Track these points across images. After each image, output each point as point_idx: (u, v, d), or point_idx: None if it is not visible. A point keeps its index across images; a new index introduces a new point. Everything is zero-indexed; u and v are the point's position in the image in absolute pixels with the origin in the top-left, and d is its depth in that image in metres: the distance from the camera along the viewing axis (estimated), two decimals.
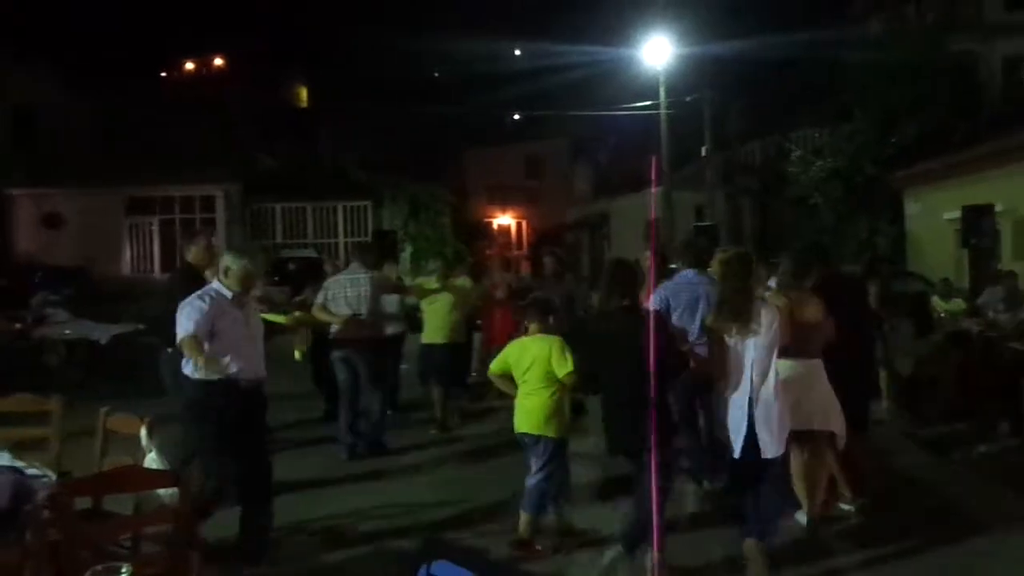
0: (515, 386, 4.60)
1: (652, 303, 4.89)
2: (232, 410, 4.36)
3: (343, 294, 6.67)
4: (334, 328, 6.69)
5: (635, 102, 22.97)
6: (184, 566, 3.48)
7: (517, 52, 33.72)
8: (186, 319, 4.29)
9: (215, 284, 4.53)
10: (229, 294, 4.44)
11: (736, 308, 4.19)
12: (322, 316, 6.67)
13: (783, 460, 4.42)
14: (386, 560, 4.51)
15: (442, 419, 7.50)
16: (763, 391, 4.14)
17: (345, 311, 6.57)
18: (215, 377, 4.30)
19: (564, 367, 4.43)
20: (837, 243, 16.35)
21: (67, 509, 3.27)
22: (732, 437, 4.19)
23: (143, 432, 4.15)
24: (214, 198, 19.83)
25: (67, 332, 10.55)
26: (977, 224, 12.05)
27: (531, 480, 4.50)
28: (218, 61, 39.37)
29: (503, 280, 10.06)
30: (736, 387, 4.16)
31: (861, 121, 17.46)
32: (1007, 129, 14.42)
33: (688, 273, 5.44)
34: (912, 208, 16.35)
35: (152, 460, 4.27)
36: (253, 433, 4.52)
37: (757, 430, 4.13)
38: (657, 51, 20.40)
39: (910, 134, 16.51)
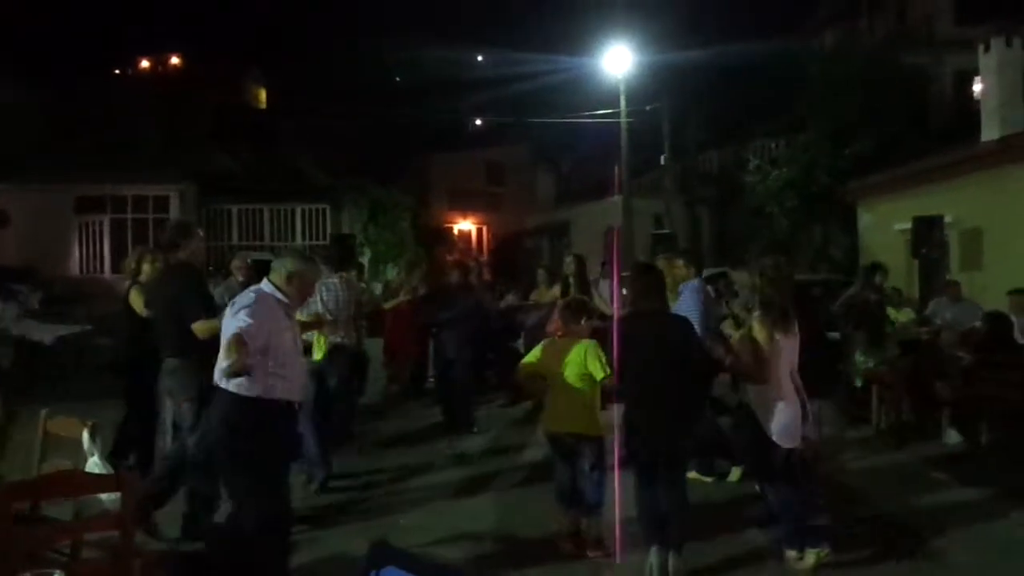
0: (545, 385, 4.68)
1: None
2: (270, 433, 3.86)
3: (316, 299, 6.47)
4: (307, 335, 6.53)
5: (596, 110, 23.16)
6: (126, 574, 3.36)
7: (479, 58, 33.82)
8: (244, 316, 3.67)
9: (268, 287, 3.94)
10: (286, 301, 3.94)
11: (783, 311, 4.46)
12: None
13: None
14: (335, 566, 4.42)
15: None
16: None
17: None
18: (255, 394, 3.78)
19: (601, 370, 4.46)
20: (792, 252, 16.65)
21: (2, 514, 3.14)
22: (785, 434, 4.36)
23: (85, 435, 4.02)
24: (168, 198, 19.41)
25: (12, 332, 10.23)
26: (927, 235, 12.33)
27: (590, 478, 4.50)
28: (174, 60, 38.70)
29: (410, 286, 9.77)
30: (780, 387, 4.39)
31: (816, 132, 17.82)
32: (956, 142, 14.83)
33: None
34: (864, 218, 16.70)
35: (94, 464, 4.13)
36: (280, 460, 4.10)
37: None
38: (618, 60, 20.60)
39: (863, 146, 16.88)
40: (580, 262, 8.19)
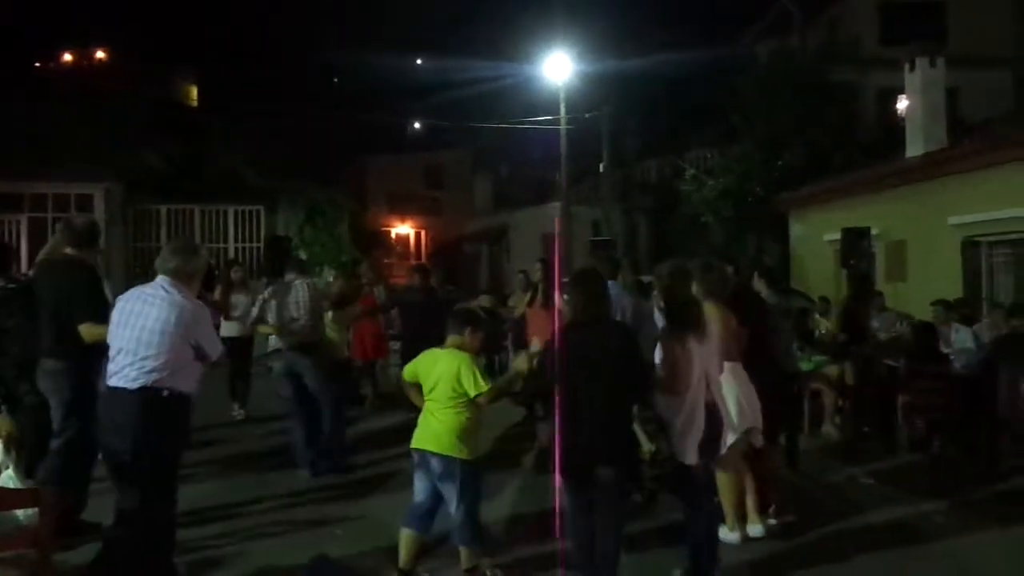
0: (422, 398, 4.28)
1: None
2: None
3: (280, 302, 6.33)
4: (273, 340, 6.45)
5: (536, 116, 23.26)
6: None
7: (419, 61, 33.64)
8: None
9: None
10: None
11: (692, 317, 4.29)
12: (263, 330, 6.59)
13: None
14: None
15: None
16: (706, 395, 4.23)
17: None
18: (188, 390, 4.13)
19: (476, 386, 4.12)
20: (726, 261, 16.96)
21: None
22: (687, 444, 4.15)
23: None
24: (92, 197, 18.64)
25: None
26: (855, 246, 12.73)
27: (457, 511, 4.12)
28: (100, 54, 37.27)
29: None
30: (695, 393, 4.18)
31: (749, 143, 18.25)
32: (882, 156, 15.39)
33: (611, 285, 5.34)
34: (796, 229, 17.17)
35: (8, 478, 3.91)
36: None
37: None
38: (557, 67, 20.74)
39: (795, 157, 17.36)
40: (547, 267, 8.11)
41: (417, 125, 34.07)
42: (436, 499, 4.21)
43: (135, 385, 3.77)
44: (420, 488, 4.25)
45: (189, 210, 20.07)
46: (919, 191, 13.03)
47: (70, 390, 4.62)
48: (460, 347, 4.29)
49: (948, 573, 4.54)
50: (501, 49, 25.01)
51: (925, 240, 12.74)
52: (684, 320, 4.28)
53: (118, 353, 3.87)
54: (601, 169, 23.10)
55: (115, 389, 3.82)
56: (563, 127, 20.69)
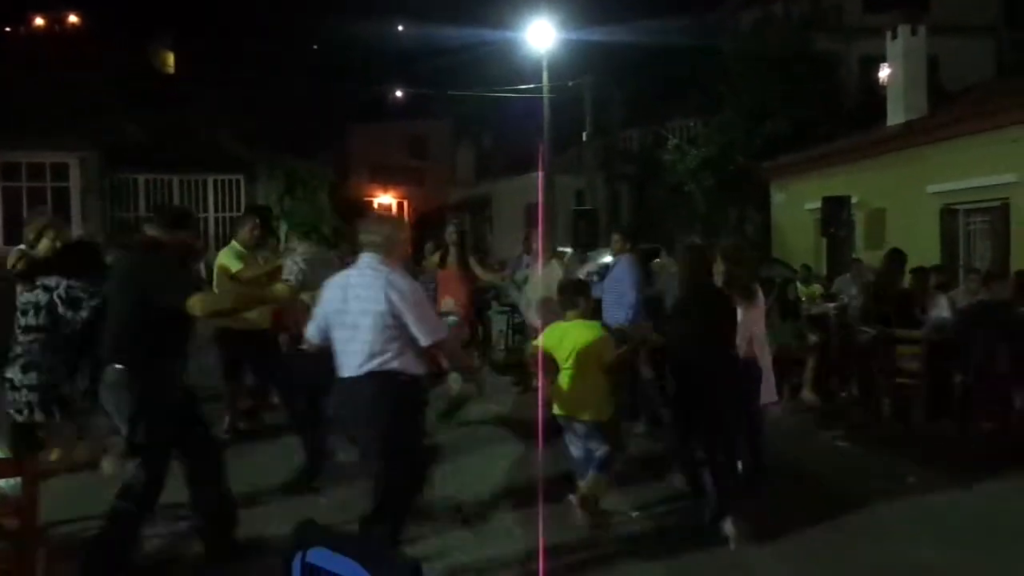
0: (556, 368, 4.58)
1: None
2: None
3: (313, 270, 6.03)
4: None
5: (519, 85, 23.06)
6: (28, 564, 3.17)
7: (400, 29, 33.15)
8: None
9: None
10: None
11: (741, 287, 5.04)
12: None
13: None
14: (257, 549, 4.30)
15: None
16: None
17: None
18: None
19: (608, 353, 4.54)
20: (708, 230, 17.08)
21: None
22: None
23: None
24: (67, 166, 18.35)
25: None
26: (835, 214, 12.85)
27: (598, 452, 4.49)
28: (72, 18, 36.38)
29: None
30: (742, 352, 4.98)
31: (732, 113, 18.23)
32: (863, 125, 15.45)
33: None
34: (777, 198, 17.25)
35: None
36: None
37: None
38: (540, 35, 20.52)
39: (777, 126, 17.37)
40: (461, 233, 8.50)
41: (399, 94, 33.69)
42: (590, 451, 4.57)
43: (365, 371, 3.60)
44: (577, 447, 4.62)
45: (168, 179, 19.83)
46: (898, 160, 13.12)
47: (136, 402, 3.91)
48: (582, 317, 4.65)
49: (920, 532, 4.66)
50: (483, 16, 24.76)
51: (904, 208, 12.85)
52: (735, 289, 4.98)
53: (340, 342, 3.70)
54: (584, 138, 23.00)
55: (348, 379, 3.67)
56: (545, 95, 20.53)
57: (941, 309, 8.10)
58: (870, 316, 7.88)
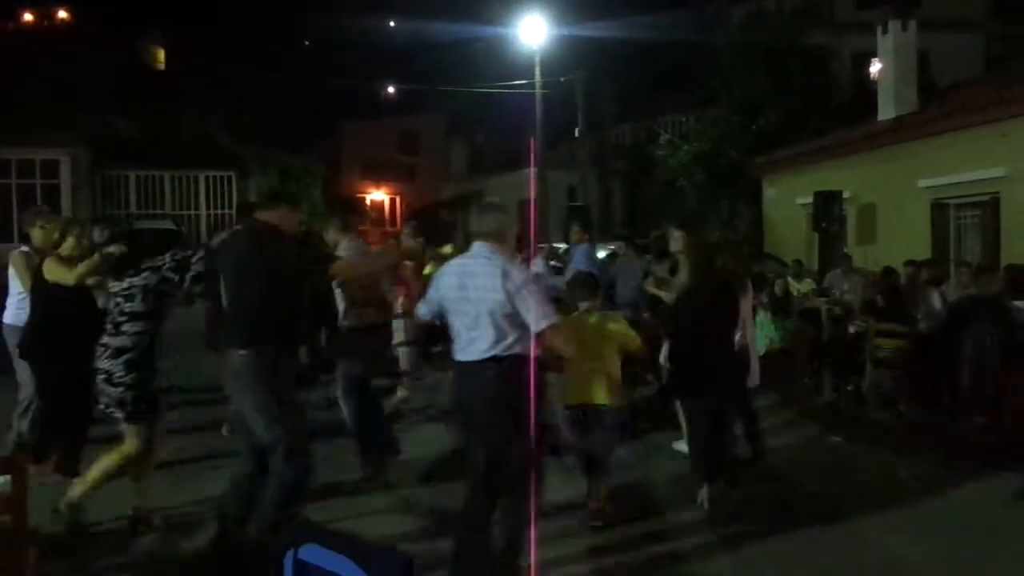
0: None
1: None
2: None
3: None
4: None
5: (511, 81, 23.05)
6: (18, 561, 3.17)
7: (392, 24, 33.05)
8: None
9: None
10: None
11: (742, 277, 5.57)
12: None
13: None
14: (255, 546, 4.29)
15: None
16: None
17: None
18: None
19: (635, 341, 4.76)
20: (700, 224, 17.07)
21: None
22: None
23: None
24: (58, 162, 18.26)
25: None
26: (827, 209, 12.87)
27: (601, 439, 4.63)
28: (62, 14, 36.14)
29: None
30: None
31: (724, 108, 18.24)
32: (854, 120, 15.48)
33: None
34: (769, 193, 17.28)
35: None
36: None
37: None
38: (533, 30, 20.51)
39: (769, 122, 17.40)
40: (417, 230, 8.58)
41: (391, 90, 33.61)
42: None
43: (488, 356, 3.66)
44: (579, 438, 4.70)
45: (159, 176, 19.78)
46: (890, 154, 13.15)
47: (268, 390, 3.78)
48: (596, 308, 4.88)
49: (911, 526, 4.68)
50: (476, 12, 24.68)
51: (895, 203, 12.89)
52: (734, 281, 5.35)
53: (460, 328, 3.75)
54: (576, 134, 23.01)
55: (469, 363, 3.72)
56: (538, 91, 20.53)
57: (932, 303, 8.14)
58: (862, 311, 7.92)
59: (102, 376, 4.25)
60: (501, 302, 3.61)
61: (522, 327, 3.65)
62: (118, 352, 4.25)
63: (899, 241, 12.17)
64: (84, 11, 33.74)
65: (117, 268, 4.45)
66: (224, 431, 5.98)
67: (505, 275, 3.63)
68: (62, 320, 4.99)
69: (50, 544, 4.02)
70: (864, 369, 7.78)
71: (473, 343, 3.68)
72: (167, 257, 4.36)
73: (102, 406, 4.35)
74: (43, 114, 18.14)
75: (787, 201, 16.07)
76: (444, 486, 5.10)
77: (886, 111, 13.77)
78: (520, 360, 3.67)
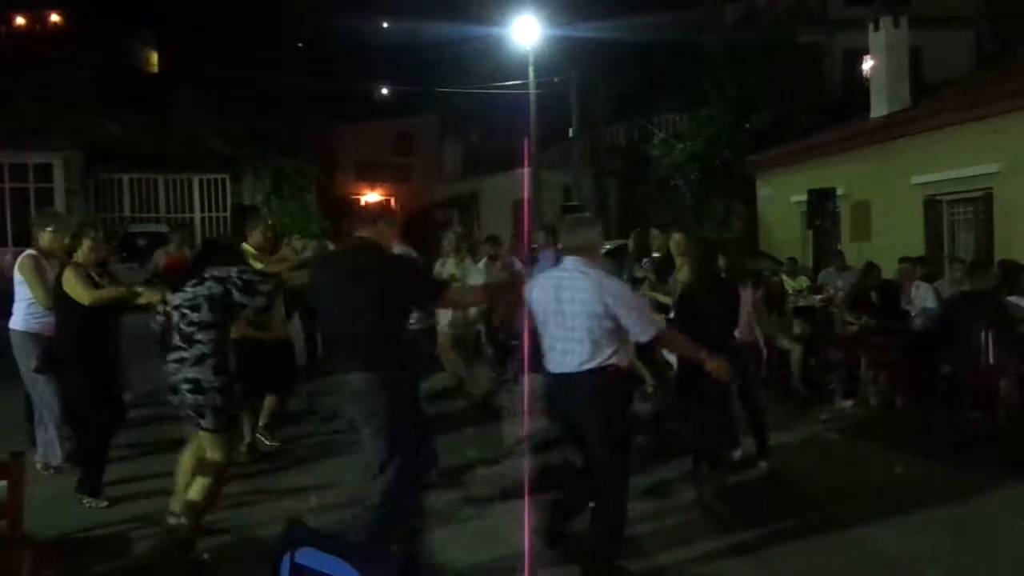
0: None
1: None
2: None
3: None
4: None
5: (505, 81, 23.04)
6: (14, 566, 3.16)
7: (385, 25, 33.01)
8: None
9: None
10: None
11: (743, 275, 5.72)
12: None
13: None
14: (246, 550, 4.29)
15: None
16: None
17: None
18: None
19: None
20: (695, 223, 17.12)
21: None
22: None
23: None
24: (51, 166, 18.22)
25: None
26: (821, 207, 12.90)
27: None
28: (54, 18, 36.03)
29: None
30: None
31: (718, 106, 18.27)
32: (847, 118, 15.52)
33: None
34: (763, 191, 17.31)
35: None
36: None
37: None
38: (526, 30, 20.51)
39: (763, 120, 17.42)
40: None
41: (385, 91, 33.55)
42: None
43: (586, 368, 3.75)
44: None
45: (152, 179, 19.74)
46: (882, 151, 13.20)
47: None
48: None
49: (908, 522, 4.70)
50: (469, 12, 24.64)
51: (889, 200, 12.93)
52: (736, 278, 5.57)
53: (554, 340, 3.84)
54: (571, 134, 23.00)
55: (566, 375, 3.80)
56: (532, 91, 20.53)
57: (926, 299, 8.17)
58: (856, 307, 7.94)
59: (187, 387, 4.10)
60: (599, 315, 3.72)
61: (617, 338, 3.79)
62: (200, 359, 4.12)
63: (893, 238, 12.20)
64: (76, 14, 33.65)
65: (173, 280, 4.35)
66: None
67: (604, 288, 3.76)
68: (87, 331, 4.92)
69: (46, 550, 4.01)
70: (860, 365, 7.80)
71: (568, 355, 3.79)
72: (233, 273, 4.23)
73: (190, 418, 4.19)
74: (36, 118, 18.09)
75: (781, 199, 16.10)
76: (444, 489, 5.11)
77: (879, 108, 13.81)
78: (616, 370, 3.80)
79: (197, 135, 22.08)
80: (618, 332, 3.78)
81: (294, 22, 33.49)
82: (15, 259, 5.61)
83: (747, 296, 5.69)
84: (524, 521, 3.68)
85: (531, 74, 20.53)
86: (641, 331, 3.80)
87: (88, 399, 4.96)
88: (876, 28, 13.91)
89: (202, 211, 19.95)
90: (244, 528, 4.61)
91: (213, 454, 4.21)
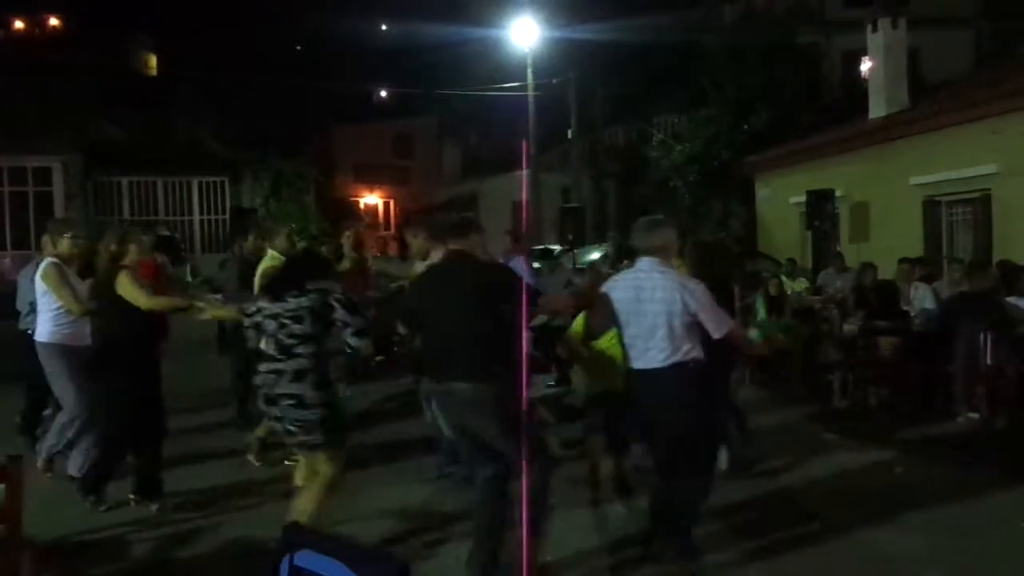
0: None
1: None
2: None
3: None
4: None
5: (503, 83, 23.06)
6: (12, 569, 3.16)
7: (383, 27, 33.06)
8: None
9: None
10: None
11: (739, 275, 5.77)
12: None
13: None
14: (244, 552, 4.29)
15: None
16: None
17: None
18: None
19: None
20: (694, 224, 17.14)
21: None
22: None
23: None
24: (50, 169, 18.22)
25: None
26: (819, 208, 12.91)
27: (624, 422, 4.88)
28: (53, 21, 36.07)
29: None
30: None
31: (716, 107, 18.28)
32: (846, 119, 15.53)
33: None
34: (762, 192, 17.31)
35: None
36: None
37: None
38: (525, 32, 20.53)
39: (761, 121, 17.43)
40: (357, 234, 8.50)
41: (383, 93, 33.58)
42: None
43: (667, 363, 3.93)
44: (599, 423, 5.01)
45: (151, 182, 19.74)
46: (881, 152, 13.20)
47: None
48: None
49: (908, 523, 4.70)
50: (467, 14, 24.68)
51: (887, 200, 12.93)
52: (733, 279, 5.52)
53: (634, 338, 4.01)
54: (569, 135, 23.03)
55: (650, 370, 3.97)
56: (531, 93, 20.55)
57: (925, 300, 8.18)
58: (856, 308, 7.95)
59: (290, 402, 3.95)
60: (680, 313, 3.90)
61: (695, 335, 3.97)
62: (299, 374, 3.97)
63: (892, 239, 12.20)
64: (75, 18, 33.68)
65: (274, 288, 4.20)
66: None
67: (684, 288, 3.95)
68: (140, 335, 4.87)
69: (45, 552, 4.00)
70: (860, 366, 7.80)
71: (649, 352, 3.97)
72: (338, 289, 4.17)
73: (291, 433, 4.01)
74: (35, 121, 18.09)
75: (780, 200, 16.10)
76: (444, 488, 5.11)
77: (877, 109, 13.82)
78: (696, 363, 3.98)
79: (196, 137, 22.08)
80: (695, 328, 3.97)
81: (293, 24, 33.52)
82: (14, 263, 5.59)
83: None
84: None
85: (530, 75, 20.56)
86: (716, 328, 3.97)
87: (134, 405, 4.85)
88: (874, 29, 13.92)
89: (201, 213, 19.95)
90: (244, 528, 4.61)
91: (324, 467, 4.05)
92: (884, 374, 7.59)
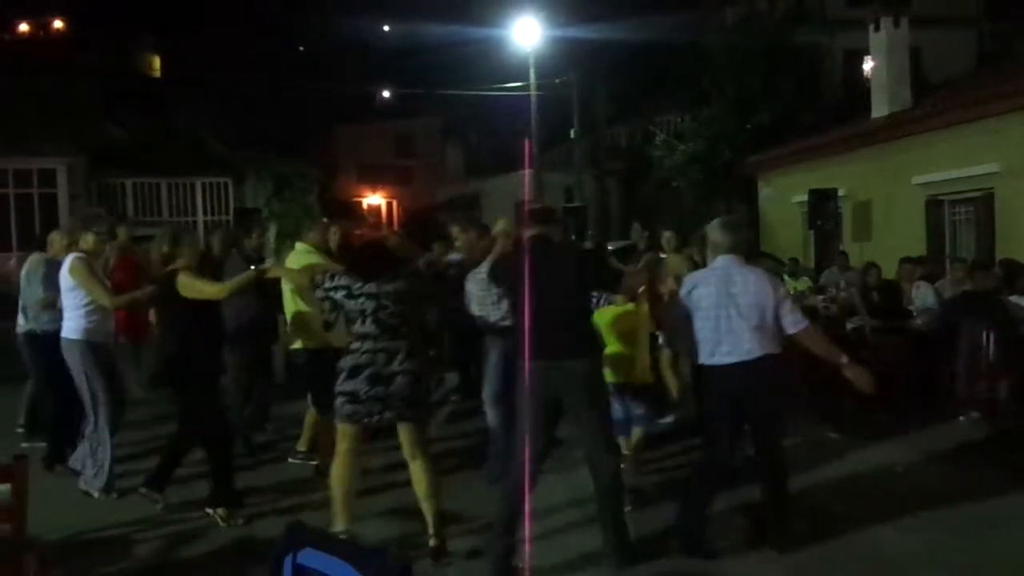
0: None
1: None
2: None
3: None
4: None
5: (506, 82, 23.08)
6: (17, 569, 3.18)
7: (386, 28, 33.09)
8: None
9: None
10: None
11: None
12: None
13: None
14: (246, 550, 4.31)
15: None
16: None
17: None
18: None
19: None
20: (697, 224, 17.11)
21: None
22: None
23: None
24: (55, 171, 18.27)
25: None
26: (822, 207, 12.91)
27: (638, 411, 5.23)
28: (57, 24, 36.16)
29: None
30: None
31: (718, 107, 18.27)
32: (848, 118, 15.52)
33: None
34: (764, 191, 17.31)
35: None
36: None
37: None
38: (527, 32, 20.54)
39: (763, 120, 17.42)
40: (343, 235, 8.48)
41: (386, 94, 33.63)
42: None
43: (752, 356, 4.06)
44: (619, 409, 5.13)
45: (155, 183, 19.78)
46: (884, 152, 13.19)
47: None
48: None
49: (909, 522, 4.71)
50: (470, 15, 24.71)
51: (890, 200, 12.93)
52: None
53: (721, 335, 4.13)
54: (572, 135, 23.04)
55: (742, 362, 4.08)
56: (533, 93, 20.56)
57: (927, 299, 8.17)
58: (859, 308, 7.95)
59: (406, 378, 4.04)
60: (770, 306, 4.07)
61: (777, 327, 4.12)
62: (411, 352, 4.11)
63: (894, 238, 12.20)
64: (79, 20, 33.76)
65: (368, 271, 4.18)
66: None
67: (769, 282, 4.15)
68: (208, 338, 4.77)
69: (50, 553, 4.03)
70: (863, 365, 7.79)
71: (743, 344, 4.08)
72: (384, 288, 4.15)
73: (391, 409, 4.04)
74: (39, 123, 18.14)
75: (782, 199, 16.10)
76: (447, 486, 5.13)
77: (879, 108, 13.81)
78: (779, 356, 4.16)
79: (199, 139, 22.11)
80: (777, 322, 4.11)
81: (296, 25, 33.59)
82: (19, 264, 5.56)
83: None
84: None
85: (532, 76, 20.57)
86: (794, 323, 4.10)
87: (208, 409, 4.80)
88: (876, 28, 13.91)
89: (204, 214, 19.97)
90: (248, 528, 4.63)
91: (424, 450, 4.18)
92: (886, 373, 7.58)
